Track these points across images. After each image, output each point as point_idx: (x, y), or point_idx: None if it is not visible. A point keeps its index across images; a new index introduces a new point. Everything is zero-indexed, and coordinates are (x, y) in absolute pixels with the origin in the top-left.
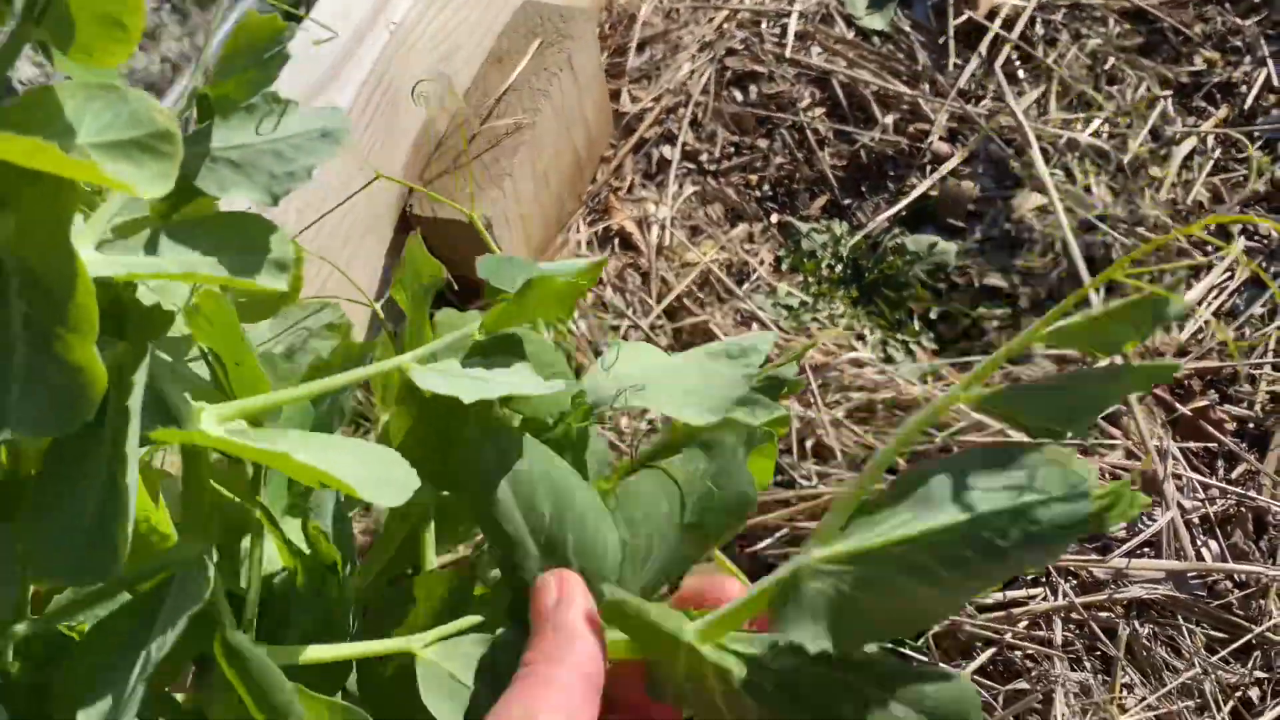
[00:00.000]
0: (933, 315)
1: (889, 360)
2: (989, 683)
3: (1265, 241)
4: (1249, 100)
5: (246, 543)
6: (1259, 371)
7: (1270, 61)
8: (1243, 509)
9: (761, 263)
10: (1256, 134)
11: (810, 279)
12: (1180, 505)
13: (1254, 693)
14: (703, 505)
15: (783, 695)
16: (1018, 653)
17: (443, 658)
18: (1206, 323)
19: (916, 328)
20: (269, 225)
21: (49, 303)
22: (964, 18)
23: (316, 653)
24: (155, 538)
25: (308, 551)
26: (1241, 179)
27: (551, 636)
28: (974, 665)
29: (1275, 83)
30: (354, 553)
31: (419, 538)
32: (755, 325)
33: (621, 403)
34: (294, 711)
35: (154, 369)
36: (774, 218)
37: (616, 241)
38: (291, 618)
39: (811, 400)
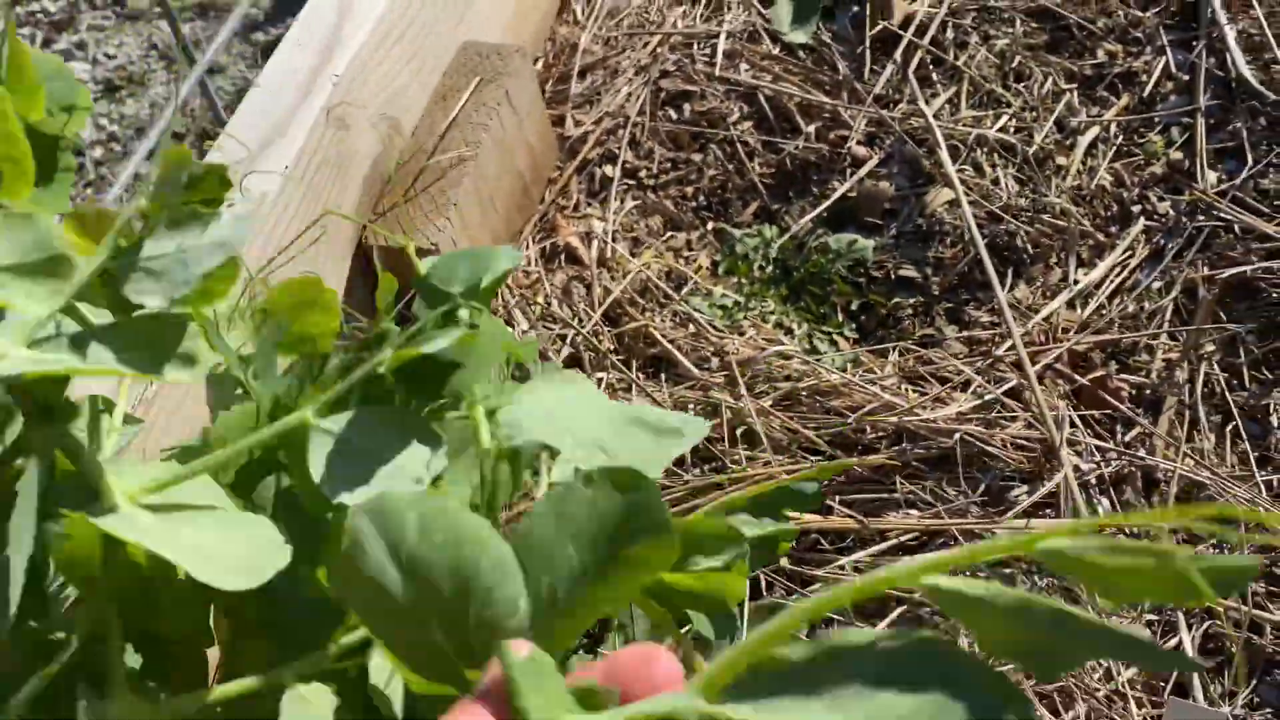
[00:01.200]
0: (854, 308)
1: (815, 351)
2: None
3: (1163, 220)
4: (1149, 88)
5: None
6: (1156, 341)
7: (1169, 50)
8: (1134, 468)
9: (699, 268)
10: (1156, 120)
11: (743, 280)
12: (1077, 468)
13: (1144, 634)
14: (612, 541)
15: None
16: (926, 609)
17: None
18: (1109, 299)
19: (840, 320)
20: (182, 326)
21: None
22: (880, 27)
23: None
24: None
25: None
26: (1141, 163)
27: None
28: (886, 621)
29: (1173, 70)
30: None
31: None
32: (691, 326)
33: (534, 442)
34: None
35: (81, 455)
36: (709, 225)
37: (563, 256)
38: None
39: (740, 392)
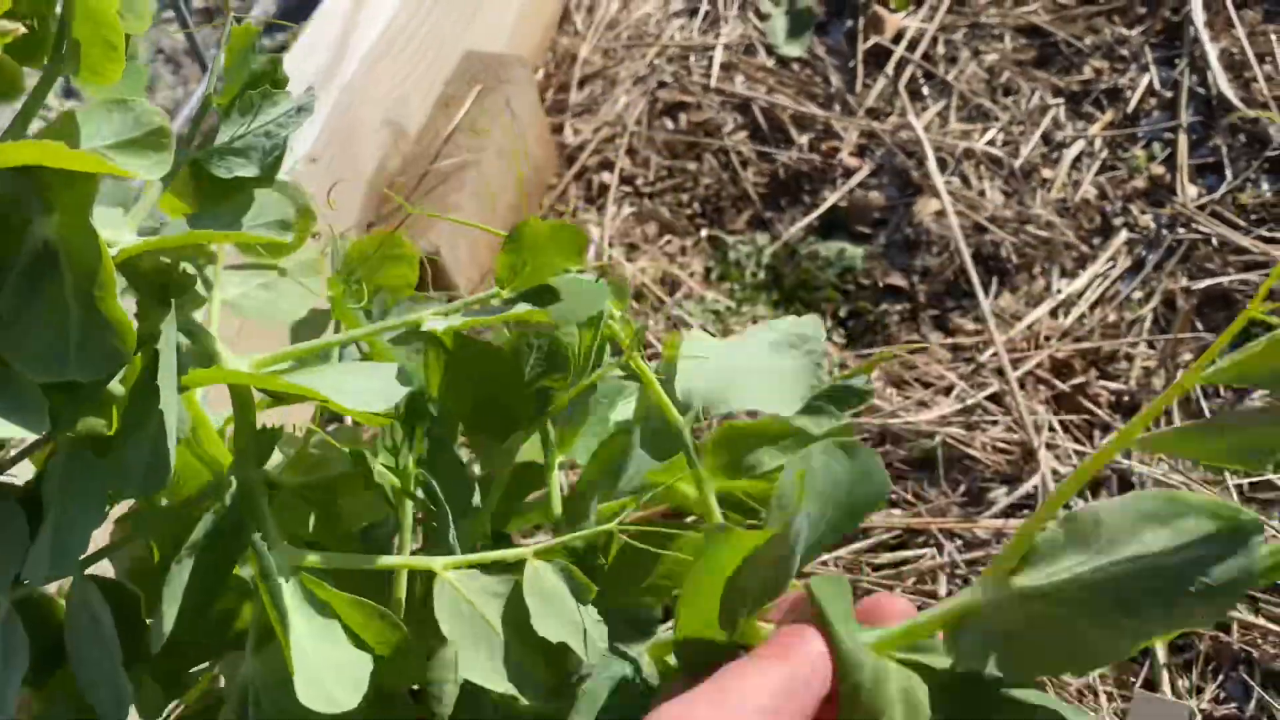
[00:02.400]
0: (842, 314)
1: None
2: None
3: (1145, 233)
4: (1133, 104)
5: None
6: (1135, 349)
7: (1153, 67)
8: (1110, 472)
9: (692, 274)
10: (1140, 135)
11: (736, 286)
12: (1055, 470)
13: None
14: (842, 503)
15: (957, 711)
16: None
17: (461, 582)
18: (1091, 308)
19: (828, 325)
20: (259, 194)
21: (89, 275)
22: (872, 42)
23: (342, 559)
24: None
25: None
26: (1125, 177)
27: (786, 635)
28: None
29: (1157, 87)
30: (462, 489)
31: (544, 478)
32: (683, 330)
33: (721, 407)
34: (279, 589)
35: (196, 331)
36: (704, 232)
37: None
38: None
39: None
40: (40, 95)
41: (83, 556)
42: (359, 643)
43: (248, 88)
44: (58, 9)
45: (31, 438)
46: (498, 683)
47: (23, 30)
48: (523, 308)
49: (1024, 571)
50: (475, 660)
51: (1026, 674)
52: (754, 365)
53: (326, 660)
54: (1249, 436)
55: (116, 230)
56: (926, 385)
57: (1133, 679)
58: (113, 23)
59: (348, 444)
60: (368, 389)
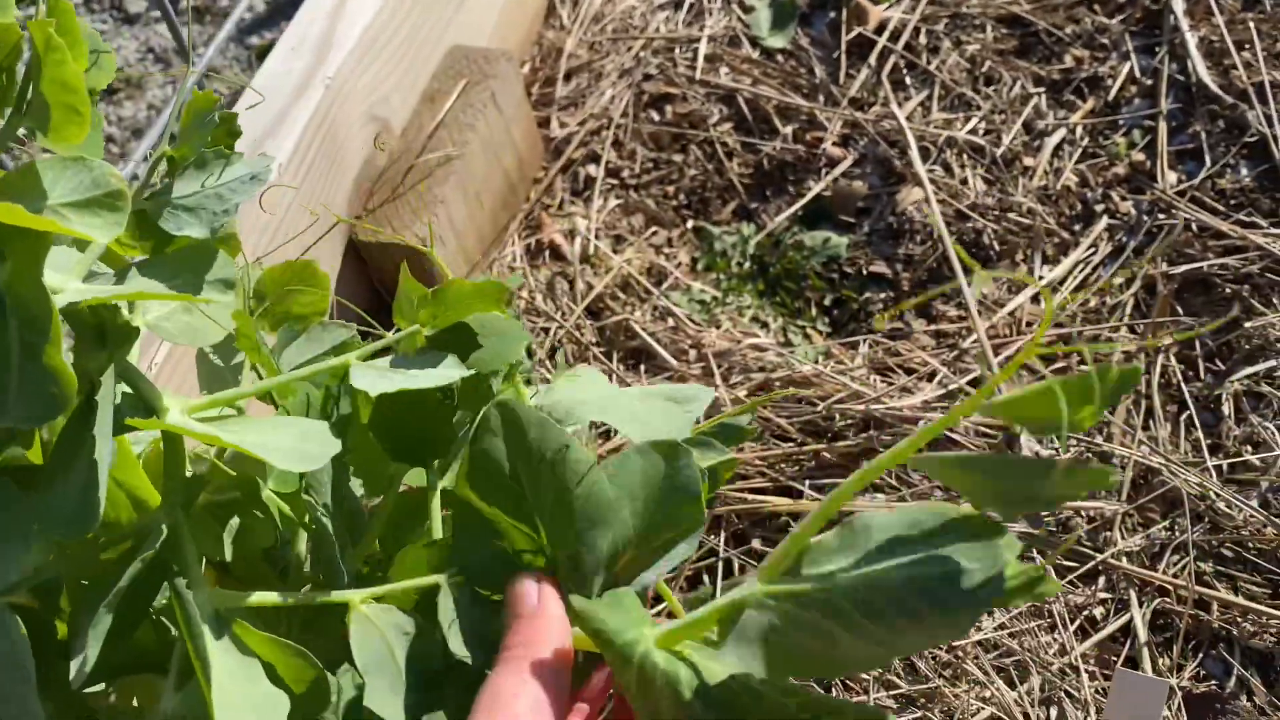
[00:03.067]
0: (827, 302)
1: (789, 344)
2: None
3: (1125, 219)
4: (1113, 92)
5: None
6: (1116, 334)
7: (1133, 56)
8: (1090, 455)
9: (679, 264)
10: (1120, 122)
11: (721, 276)
12: (1035, 453)
13: (1098, 611)
14: (663, 502)
15: (725, 708)
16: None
17: (376, 615)
18: (1071, 295)
19: (813, 314)
20: (214, 254)
21: (34, 324)
22: (855, 33)
23: (259, 598)
24: (145, 507)
25: (295, 518)
26: (1105, 164)
27: (531, 627)
28: None
29: (1137, 75)
30: (355, 521)
31: (425, 506)
32: (670, 320)
33: (583, 421)
34: (201, 635)
35: (136, 378)
36: (689, 223)
37: (548, 253)
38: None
39: (716, 383)
40: (0, 147)
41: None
42: (276, 678)
43: (204, 143)
44: (20, 64)
45: None
46: (396, 715)
47: None
48: (449, 362)
49: (794, 572)
50: (378, 690)
51: (782, 674)
52: (635, 404)
53: (245, 699)
54: (1002, 482)
55: (64, 277)
56: (910, 372)
57: (1114, 658)
58: (80, 91)
59: (245, 471)
60: (297, 449)
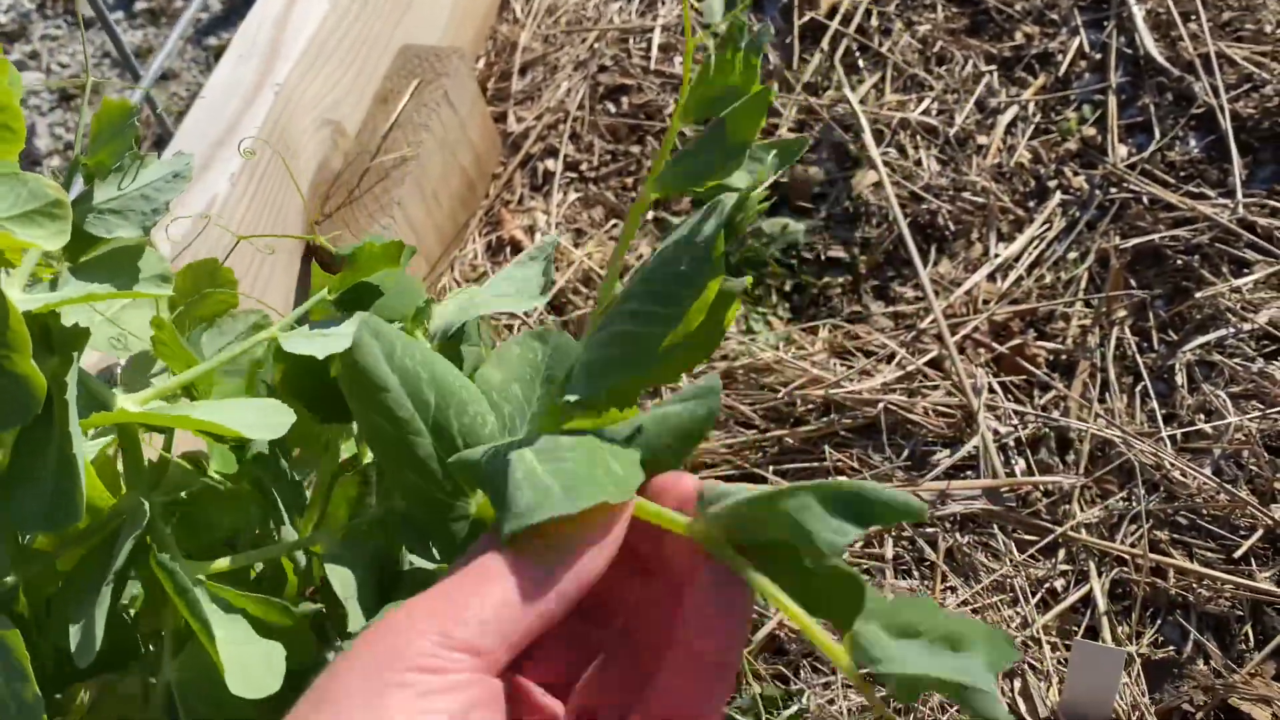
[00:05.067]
0: (787, 288)
1: (750, 332)
2: None
3: (1078, 194)
4: (1064, 68)
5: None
6: (1071, 309)
7: (1082, 30)
8: (1049, 430)
9: (639, 256)
10: (1071, 98)
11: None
12: (995, 431)
13: (1059, 583)
14: (547, 380)
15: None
16: (855, 567)
17: (342, 549)
18: (1028, 270)
19: (774, 301)
20: (140, 251)
21: None
22: (807, 18)
23: (238, 559)
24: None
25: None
26: (1058, 140)
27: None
28: None
29: (1086, 50)
30: (296, 489)
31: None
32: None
33: (460, 319)
34: (197, 601)
35: (84, 378)
36: (649, 215)
37: (509, 250)
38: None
39: None
40: None
41: None
42: (265, 633)
43: (119, 149)
44: None
45: None
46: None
47: None
48: (357, 317)
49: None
50: (354, 614)
51: (608, 381)
52: (499, 285)
53: (246, 654)
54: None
55: (8, 287)
56: (869, 354)
57: (1075, 628)
58: (12, 109)
59: (191, 460)
60: (261, 421)
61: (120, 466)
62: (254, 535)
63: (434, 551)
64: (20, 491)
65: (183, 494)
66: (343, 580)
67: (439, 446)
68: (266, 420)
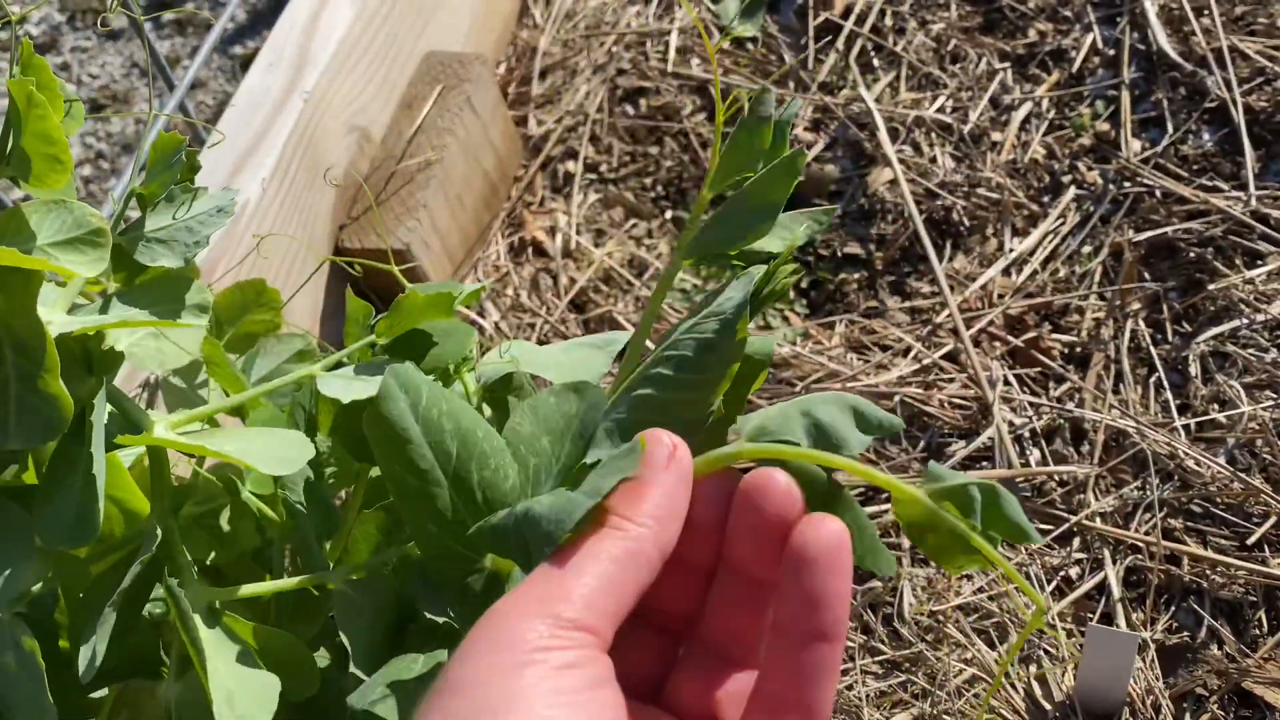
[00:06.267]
0: (804, 284)
1: (768, 328)
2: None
3: (1092, 189)
4: (1077, 64)
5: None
6: (1085, 302)
7: (1095, 27)
8: (1063, 420)
9: (659, 256)
10: (1085, 94)
11: (701, 266)
12: (1010, 422)
13: (1074, 571)
14: (578, 436)
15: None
16: None
17: (354, 589)
18: (1042, 264)
19: (790, 297)
20: (188, 282)
21: (29, 354)
22: (822, 18)
23: (248, 590)
24: (136, 517)
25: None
26: (1071, 136)
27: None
28: None
29: (1100, 46)
30: (324, 511)
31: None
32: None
33: (516, 369)
34: (195, 628)
35: (120, 398)
36: (668, 214)
37: (530, 250)
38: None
39: None
40: None
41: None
42: (269, 662)
43: (172, 179)
44: None
45: None
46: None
47: None
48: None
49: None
50: (357, 654)
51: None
52: (559, 356)
53: (240, 684)
54: None
55: (50, 310)
56: (885, 348)
57: (1090, 615)
58: (61, 143)
59: (224, 479)
60: (278, 455)
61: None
62: (280, 554)
63: (444, 606)
64: (51, 505)
65: (214, 507)
66: (348, 620)
67: (458, 498)
68: (284, 454)
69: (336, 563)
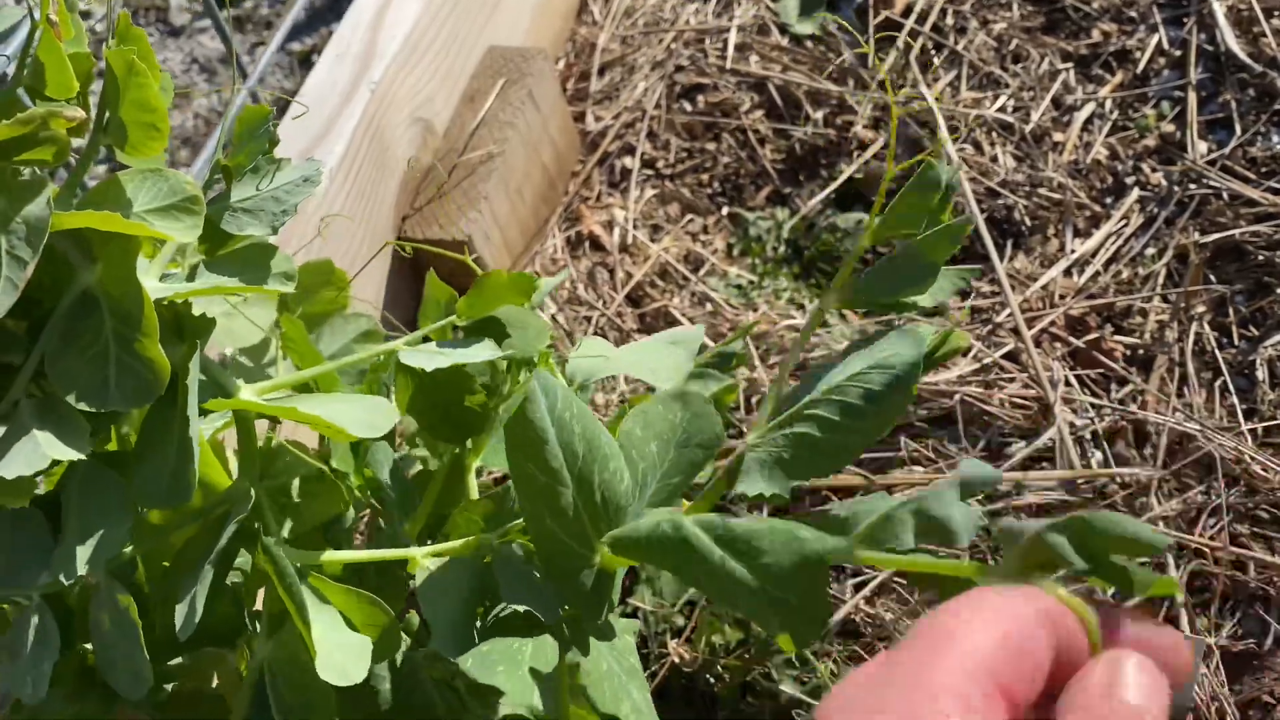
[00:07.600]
0: None
1: (825, 325)
2: (906, 581)
3: (1156, 190)
4: (1142, 65)
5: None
6: (1149, 304)
7: (1161, 27)
8: (1126, 423)
9: (715, 251)
10: (1150, 94)
11: (757, 261)
12: (1072, 423)
13: None
14: (681, 444)
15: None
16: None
17: (438, 567)
18: (1105, 265)
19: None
20: (273, 250)
21: (127, 319)
22: (882, 16)
23: (339, 556)
24: (213, 488)
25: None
26: (1135, 137)
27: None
28: None
29: (1165, 46)
30: (407, 490)
31: (464, 478)
32: (709, 305)
33: (600, 374)
34: (298, 588)
35: (209, 365)
36: (724, 210)
37: (587, 244)
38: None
39: (755, 364)
40: (85, 165)
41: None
42: (353, 626)
43: (257, 151)
44: (92, 88)
45: (78, 458)
46: (456, 653)
47: (82, 116)
48: (486, 344)
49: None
50: (440, 632)
51: (790, 481)
52: (641, 355)
53: (336, 643)
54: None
55: (144, 276)
56: None
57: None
58: (161, 110)
59: (310, 455)
60: (364, 419)
61: (230, 452)
62: (350, 531)
63: (544, 598)
64: (145, 468)
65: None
66: (433, 598)
67: (579, 497)
68: (369, 419)
69: (423, 542)
